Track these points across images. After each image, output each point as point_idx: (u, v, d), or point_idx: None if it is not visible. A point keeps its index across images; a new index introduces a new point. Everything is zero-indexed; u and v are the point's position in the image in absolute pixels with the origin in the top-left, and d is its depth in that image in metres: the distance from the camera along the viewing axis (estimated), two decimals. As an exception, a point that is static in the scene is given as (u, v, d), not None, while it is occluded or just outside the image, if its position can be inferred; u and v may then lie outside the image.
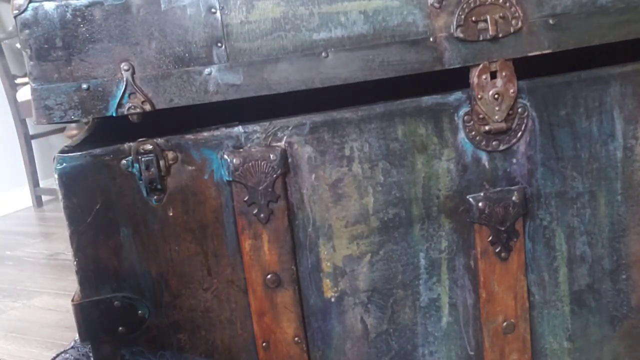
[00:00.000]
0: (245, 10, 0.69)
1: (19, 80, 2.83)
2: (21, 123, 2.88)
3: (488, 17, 0.71)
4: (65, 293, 1.78)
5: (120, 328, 0.73)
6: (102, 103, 0.69)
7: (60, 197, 0.70)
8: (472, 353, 0.80)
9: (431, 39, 0.72)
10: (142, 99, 0.69)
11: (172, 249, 0.73)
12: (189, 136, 0.71)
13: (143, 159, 0.70)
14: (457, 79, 0.74)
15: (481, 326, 0.79)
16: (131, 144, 0.70)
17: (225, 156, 0.71)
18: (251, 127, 0.72)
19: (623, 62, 0.77)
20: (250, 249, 0.73)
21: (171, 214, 0.72)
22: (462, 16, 0.71)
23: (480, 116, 0.74)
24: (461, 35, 0.72)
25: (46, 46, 0.68)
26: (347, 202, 0.74)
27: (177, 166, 0.71)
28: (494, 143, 0.75)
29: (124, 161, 0.70)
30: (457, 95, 0.74)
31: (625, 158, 0.78)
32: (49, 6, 0.67)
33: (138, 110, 0.70)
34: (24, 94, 2.76)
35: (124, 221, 0.71)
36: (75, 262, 0.71)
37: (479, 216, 0.76)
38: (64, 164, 0.69)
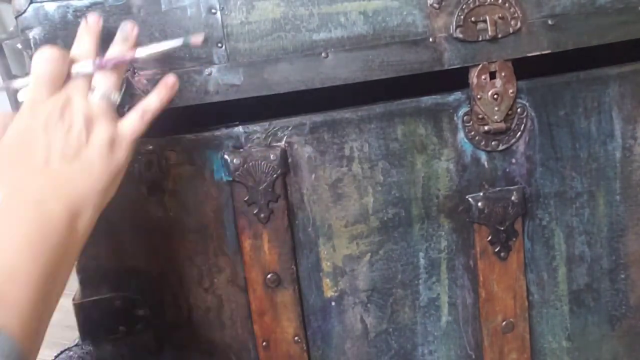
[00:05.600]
0: (245, 10, 0.69)
1: (19, 81, 2.83)
2: (21, 123, 2.87)
3: (487, 17, 0.72)
4: (65, 293, 1.78)
5: (121, 327, 0.73)
6: (102, 103, 0.69)
7: (60, 197, 0.70)
8: (471, 352, 0.80)
9: (431, 39, 0.72)
10: (143, 99, 0.69)
11: (172, 249, 0.73)
12: (189, 136, 0.71)
13: (143, 159, 0.70)
14: (457, 79, 0.75)
15: (480, 325, 0.79)
16: (131, 144, 0.70)
17: (226, 156, 0.71)
18: (251, 127, 0.72)
19: (622, 62, 0.77)
20: (250, 248, 0.74)
21: (171, 214, 0.72)
22: (462, 17, 0.71)
23: (480, 116, 0.74)
24: (460, 35, 0.72)
25: (47, 46, 0.68)
26: (347, 202, 0.75)
27: (177, 166, 0.71)
28: (493, 143, 0.75)
29: (124, 161, 0.70)
30: (457, 95, 0.74)
31: (624, 158, 0.78)
32: (50, 7, 0.67)
33: (138, 110, 0.70)
34: (25, 94, 2.75)
35: (124, 221, 0.71)
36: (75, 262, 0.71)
37: (478, 216, 0.76)
38: (65, 164, 0.69)
